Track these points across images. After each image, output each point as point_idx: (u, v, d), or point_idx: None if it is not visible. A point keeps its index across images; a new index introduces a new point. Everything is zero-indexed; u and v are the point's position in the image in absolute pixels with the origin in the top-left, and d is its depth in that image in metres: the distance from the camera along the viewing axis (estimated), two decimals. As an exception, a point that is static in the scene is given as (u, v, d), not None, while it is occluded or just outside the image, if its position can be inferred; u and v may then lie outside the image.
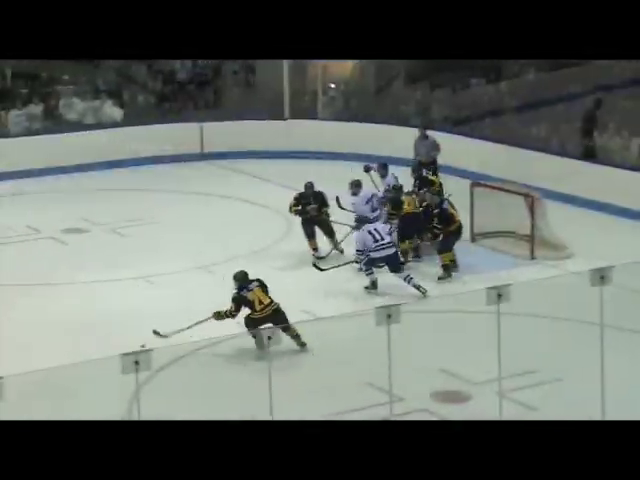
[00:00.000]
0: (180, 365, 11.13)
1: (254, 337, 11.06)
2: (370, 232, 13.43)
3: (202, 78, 22.53)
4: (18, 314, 12.93)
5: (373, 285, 13.51)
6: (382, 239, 13.36)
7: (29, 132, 20.27)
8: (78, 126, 20.72)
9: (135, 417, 9.48)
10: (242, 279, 11.48)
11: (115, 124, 20.91)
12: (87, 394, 10.46)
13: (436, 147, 17.42)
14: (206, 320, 11.55)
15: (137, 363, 9.24)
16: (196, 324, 11.57)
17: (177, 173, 19.62)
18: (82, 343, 11.71)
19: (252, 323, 11.37)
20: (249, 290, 11.40)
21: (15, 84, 21.20)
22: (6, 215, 16.96)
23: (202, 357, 11.52)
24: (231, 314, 11.47)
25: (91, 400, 10.35)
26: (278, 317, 11.36)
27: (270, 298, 11.47)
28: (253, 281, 11.50)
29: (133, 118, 21.19)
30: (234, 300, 11.45)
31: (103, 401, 10.23)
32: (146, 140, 20.33)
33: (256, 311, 11.36)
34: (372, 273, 13.52)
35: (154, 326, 11.85)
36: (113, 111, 21.29)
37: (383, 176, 15.50)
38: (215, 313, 11.53)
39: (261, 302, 11.36)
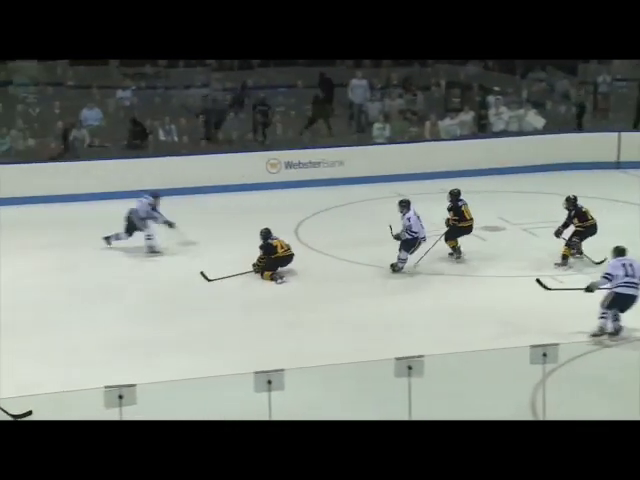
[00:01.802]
0: (584, 361, 10.95)
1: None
2: (624, 264, 11.77)
3: (621, 91, 21.88)
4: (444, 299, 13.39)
5: (600, 331, 11.75)
6: (634, 276, 11.70)
7: (458, 138, 20.73)
8: (503, 133, 20.90)
9: (540, 405, 9.47)
10: (267, 233, 14.11)
11: (536, 132, 20.85)
12: (493, 380, 10.57)
13: None
14: (248, 272, 14.03)
15: (545, 355, 9.32)
16: (240, 274, 13.97)
17: (592, 180, 19.21)
18: (499, 330, 12.01)
19: (273, 263, 14.06)
20: (273, 239, 14.12)
21: (449, 94, 21.69)
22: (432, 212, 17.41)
23: (610, 355, 11.31)
24: (261, 259, 14.13)
25: (496, 386, 10.45)
26: (290, 260, 14.19)
27: (289, 246, 14.24)
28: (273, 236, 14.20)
29: (554, 127, 21.02)
30: (261, 247, 14.17)
31: (509, 387, 10.28)
32: (564, 148, 20.20)
33: (278, 252, 14.07)
34: (606, 317, 11.79)
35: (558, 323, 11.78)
36: (535, 120, 21.21)
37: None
38: (253, 265, 14.17)
39: (282, 247, 14.17)
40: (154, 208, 15.39)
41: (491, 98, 21.46)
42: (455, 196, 15.25)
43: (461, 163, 19.92)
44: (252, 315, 12.88)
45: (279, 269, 14.14)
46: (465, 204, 15.21)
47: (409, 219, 14.25)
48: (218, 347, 11.78)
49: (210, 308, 13.10)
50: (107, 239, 15.53)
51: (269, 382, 8.75)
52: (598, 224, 14.59)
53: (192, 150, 19.79)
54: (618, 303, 11.71)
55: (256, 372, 8.75)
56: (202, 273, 14.05)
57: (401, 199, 14.63)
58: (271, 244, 14.12)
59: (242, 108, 20.63)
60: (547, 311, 12.62)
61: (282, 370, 8.72)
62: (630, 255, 11.97)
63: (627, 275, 11.68)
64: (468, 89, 21.85)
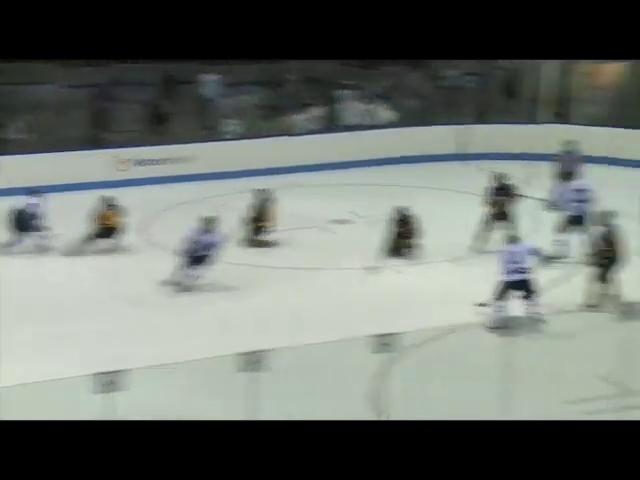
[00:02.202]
0: (425, 349, 11.11)
1: None
2: (511, 252, 11.99)
3: (469, 85, 22.30)
4: (286, 293, 13.42)
5: (501, 323, 11.64)
6: (521, 262, 11.90)
7: (310, 133, 20.76)
8: (354, 127, 21.04)
9: (382, 395, 9.53)
10: (107, 200, 14.93)
11: (387, 125, 21.08)
12: (335, 370, 10.61)
13: None
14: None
15: (385, 344, 9.40)
16: None
17: (438, 172, 19.62)
18: (340, 322, 12.05)
19: (97, 230, 14.88)
20: (109, 209, 14.92)
21: (303, 89, 21.73)
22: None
23: (445, 343, 11.47)
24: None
25: (338, 376, 10.48)
26: (109, 234, 15.04)
27: (116, 223, 14.97)
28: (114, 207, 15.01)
29: (403, 120, 21.27)
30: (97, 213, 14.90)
31: (349, 377, 10.35)
32: (413, 141, 20.47)
33: (102, 221, 14.87)
34: (502, 309, 11.82)
35: (398, 312, 12.08)
36: (386, 114, 21.45)
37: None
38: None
39: (107, 217, 14.89)
40: (41, 207, 15.04)
41: (344, 92, 21.61)
42: (261, 194, 15.30)
43: (313, 157, 19.95)
44: (106, 316, 12.67)
45: (98, 240, 14.90)
46: (271, 205, 15.26)
47: (219, 237, 13.75)
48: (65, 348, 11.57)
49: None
50: (9, 246, 14.90)
51: (110, 383, 8.58)
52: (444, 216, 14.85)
53: (41, 148, 19.23)
54: (510, 290, 11.88)
55: (95, 373, 8.58)
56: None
57: (210, 216, 13.93)
58: (100, 212, 14.91)
59: (95, 104, 20.21)
60: (378, 300, 12.87)
61: (119, 371, 8.57)
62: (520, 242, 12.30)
63: (515, 262, 11.88)
64: (322, 84, 21.92)
